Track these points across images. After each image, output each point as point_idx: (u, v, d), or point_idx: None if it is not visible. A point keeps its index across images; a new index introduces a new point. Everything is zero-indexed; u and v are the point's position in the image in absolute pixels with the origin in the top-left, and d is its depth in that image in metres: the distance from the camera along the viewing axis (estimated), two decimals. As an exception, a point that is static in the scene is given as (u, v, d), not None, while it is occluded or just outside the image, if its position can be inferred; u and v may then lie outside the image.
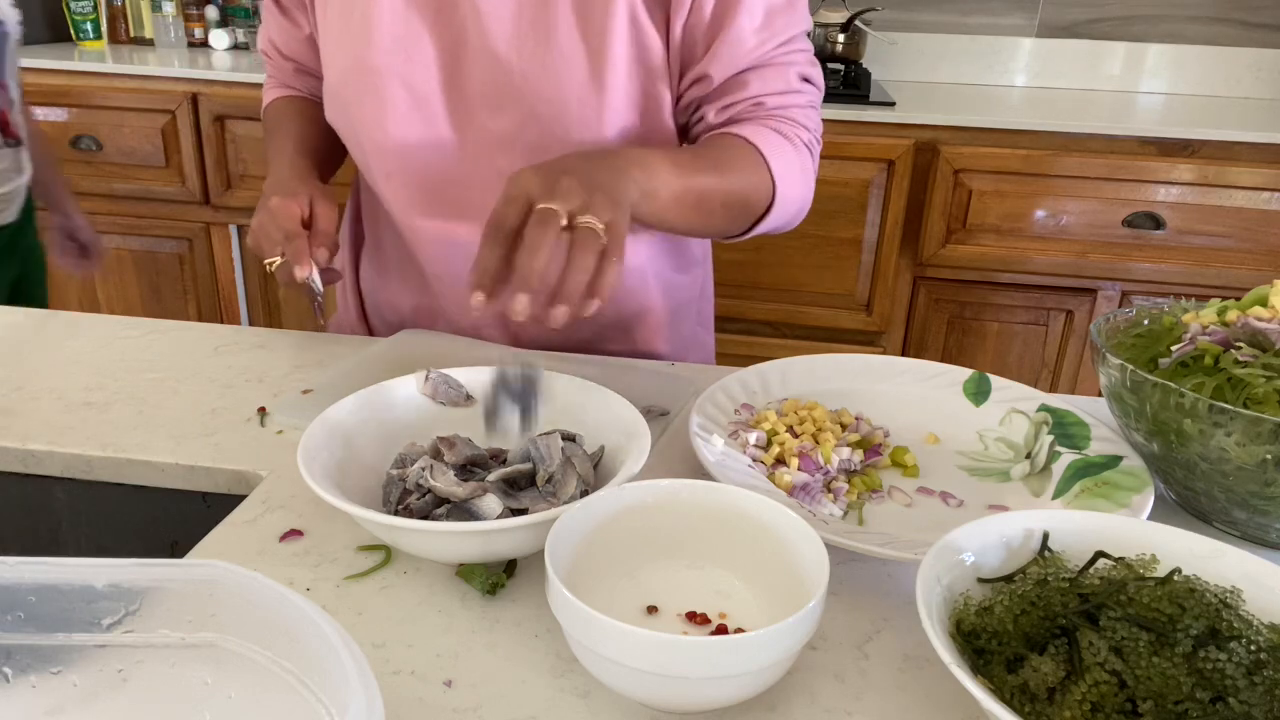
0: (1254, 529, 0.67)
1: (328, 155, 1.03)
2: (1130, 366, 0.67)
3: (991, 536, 0.55)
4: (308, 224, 0.87)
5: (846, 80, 2.25)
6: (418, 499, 0.62)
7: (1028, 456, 0.76)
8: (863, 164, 2.04)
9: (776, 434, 0.75)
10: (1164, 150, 1.98)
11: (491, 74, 0.88)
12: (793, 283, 2.18)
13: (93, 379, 0.88)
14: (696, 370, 0.95)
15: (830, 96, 2.10)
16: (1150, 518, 0.62)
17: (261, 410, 0.83)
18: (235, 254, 2.43)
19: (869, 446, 0.77)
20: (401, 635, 0.57)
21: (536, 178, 0.66)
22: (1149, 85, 2.48)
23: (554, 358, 0.94)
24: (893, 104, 2.07)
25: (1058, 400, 0.80)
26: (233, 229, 2.40)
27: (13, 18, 1.62)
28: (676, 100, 0.93)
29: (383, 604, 0.60)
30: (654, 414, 0.83)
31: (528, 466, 0.64)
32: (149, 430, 0.79)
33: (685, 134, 0.97)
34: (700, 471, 0.69)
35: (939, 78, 2.55)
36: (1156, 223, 2.01)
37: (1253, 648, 0.46)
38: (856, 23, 2.32)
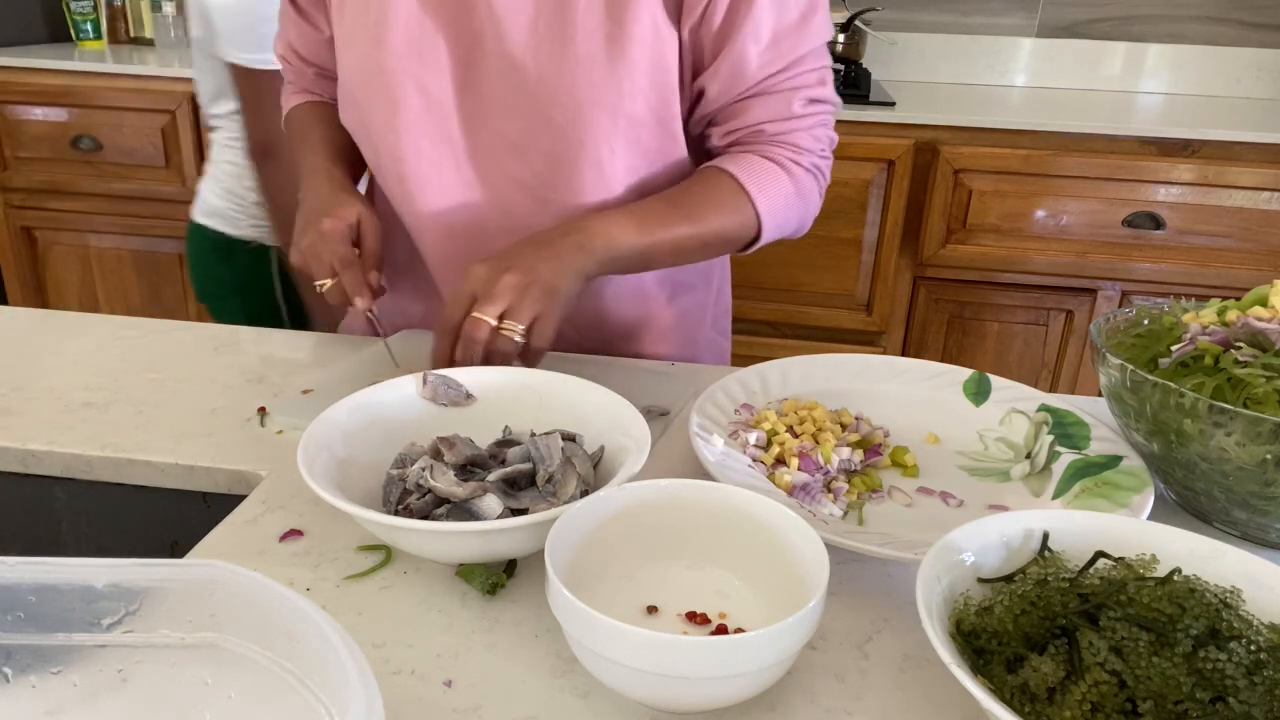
0: (1254, 529, 0.67)
1: (357, 160, 1.02)
2: (1130, 366, 0.67)
3: (991, 536, 0.55)
4: (356, 243, 0.89)
5: (846, 80, 2.25)
6: (418, 499, 0.62)
7: (1028, 456, 0.76)
8: (863, 164, 2.04)
9: (776, 434, 0.75)
10: (1164, 150, 1.98)
11: (506, 79, 0.87)
12: (793, 283, 2.18)
13: (93, 379, 0.88)
14: (696, 370, 0.95)
15: (830, 96, 2.10)
16: (1150, 518, 0.62)
17: (261, 410, 0.83)
18: (235, 254, 2.43)
19: (869, 446, 0.77)
20: (401, 635, 0.57)
21: (482, 277, 0.77)
22: (1149, 85, 2.48)
23: (555, 358, 0.94)
24: (893, 104, 2.07)
25: (1058, 400, 0.80)
26: (233, 229, 2.40)
27: None
28: (688, 111, 0.93)
29: (383, 604, 0.60)
30: (654, 414, 0.83)
31: (528, 466, 0.64)
32: (149, 430, 0.79)
33: (700, 144, 0.97)
34: (700, 471, 0.69)
35: (939, 78, 2.55)
36: (1156, 223, 2.01)
37: (1253, 648, 0.46)
38: (856, 23, 2.32)
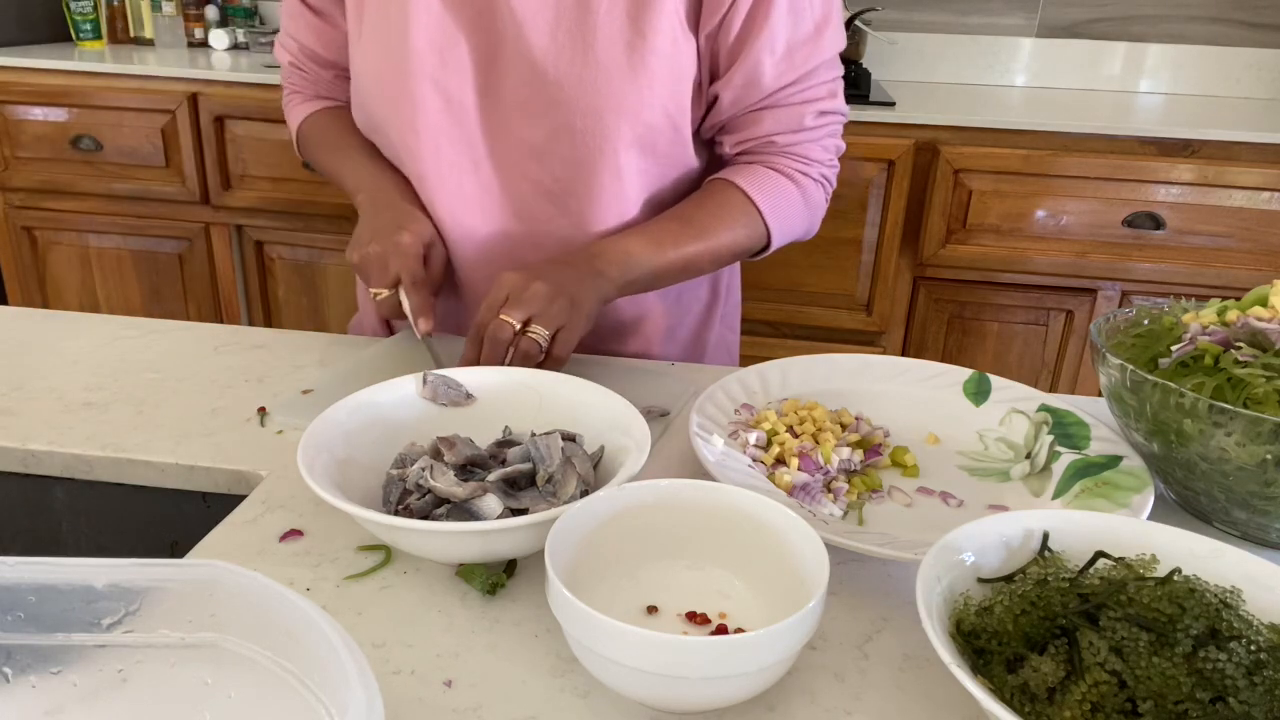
0: (1254, 529, 0.67)
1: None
2: (1130, 366, 0.67)
3: (991, 536, 0.55)
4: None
5: (847, 80, 2.24)
6: (418, 499, 0.62)
7: (1028, 456, 0.76)
8: (863, 164, 2.04)
9: (776, 434, 0.75)
10: (1164, 150, 1.98)
11: (528, 83, 0.87)
12: (793, 283, 2.18)
13: (93, 379, 0.88)
14: (696, 370, 0.95)
15: (830, 96, 2.10)
16: (1150, 518, 0.62)
17: (261, 410, 0.83)
18: (235, 254, 2.43)
19: (869, 446, 0.77)
20: (401, 635, 0.57)
21: (515, 281, 0.80)
22: (1149, 85, 2.48)
23: (554, 358, 0.94)
24: (893, 104, 2.07)
25: (1058, 400, 0.80)
26: (232, 229, 2.40)
27: None
28: (701, 116, 0.94)
29: (383, 604, 0.60)
30: (654, 414, 0.83)
31: (528, 466, 0.64)
32: (149, 430, 0.79)
33: (709, 147, 0.98)
34: (700, 471, 0.69)
35: (939, 78, 2.55)
36: (1156, 223, 2.01)
37: (1253, 648, 0.46)
38: (856, 23, 2.32)
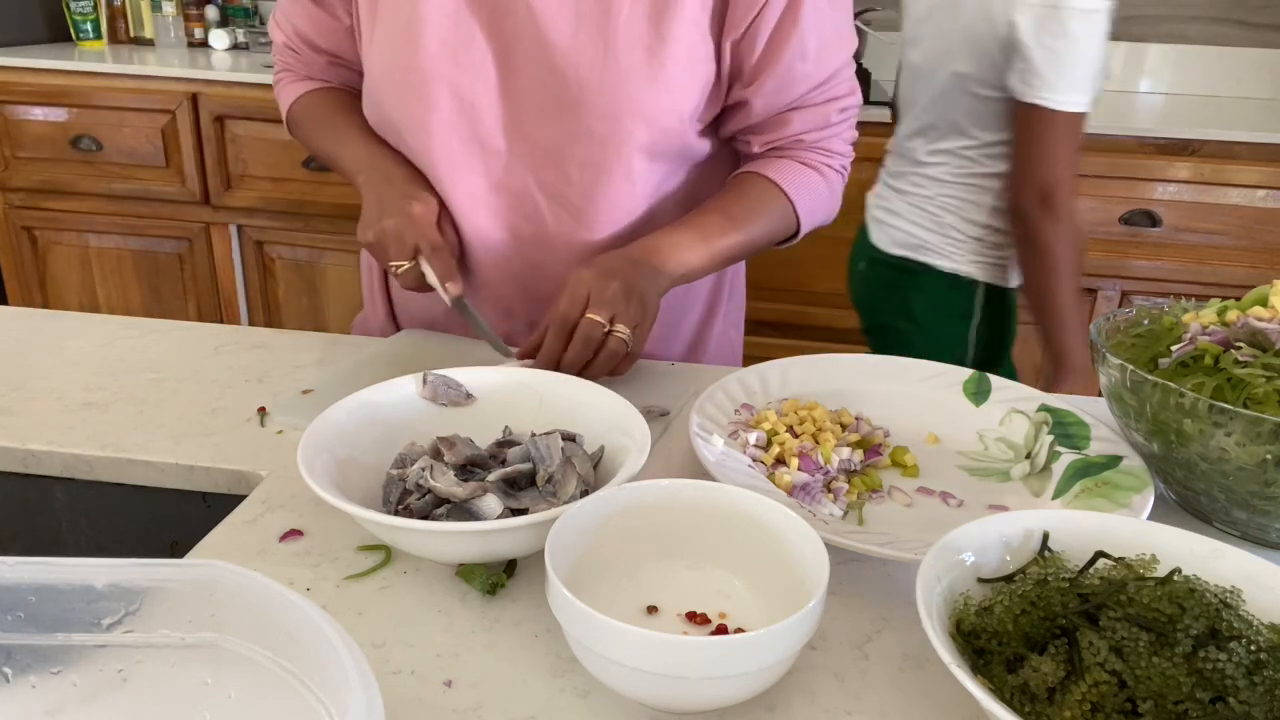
0: (1254, 529, 0.67)
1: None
2: (1130, 366, 0.67)
3: (991, 536, 0.55)
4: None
5: (846, 80, 2.25)
6: (418, 499, 0.62)
7: (1028, 456, 0.76)
8: (862, 164, 2.03)
9: (776, 434, 0.75)
10: (1163, 149, 1.98)
11: (546, 85, 0.87)
12: (794, 282, 2.18)
13: (93, 379, 0.88)
14: (696, 370, 0.95)
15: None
16: (1150, 518, 0.62)
17: (261, 410, 0.83)
18: (235, 254, 2.43)
19: (869, 446, 0.77)
20: (401, 635, 0.57)
21: (594, 281, 0.81)
22: (1149, 85, 2.48)
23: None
24: (893, 104, 2.07)
25: (1058, 400, 0.80)
26: (233, 229, 2.40)
27: None
28: (715, 121, 0.94)
29: (383, 604, 0.60)
30: (654, 414, 0.83)
31: (528, 466, 0.64)
32: (149, 430, 0.79)
33: (726, 146, 0.99)
34: (700, 471, 0.69)
35: (939, 78, 2.55)
36: (1154, 221, 2.01)
37: (1253, 648, 0.46)
38: (856, 23, 2.31)
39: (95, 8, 2.59)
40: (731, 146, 1.00)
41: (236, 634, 0.41)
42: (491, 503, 0.60)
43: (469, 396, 0.74)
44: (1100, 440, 0.74)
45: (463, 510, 0.61)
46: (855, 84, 0.98)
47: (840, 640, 0.58)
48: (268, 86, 2.25)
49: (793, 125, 0.95)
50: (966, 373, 0.84)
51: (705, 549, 0.60)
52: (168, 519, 0.77)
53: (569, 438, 0.67)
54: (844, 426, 0.78)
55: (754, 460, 0.73)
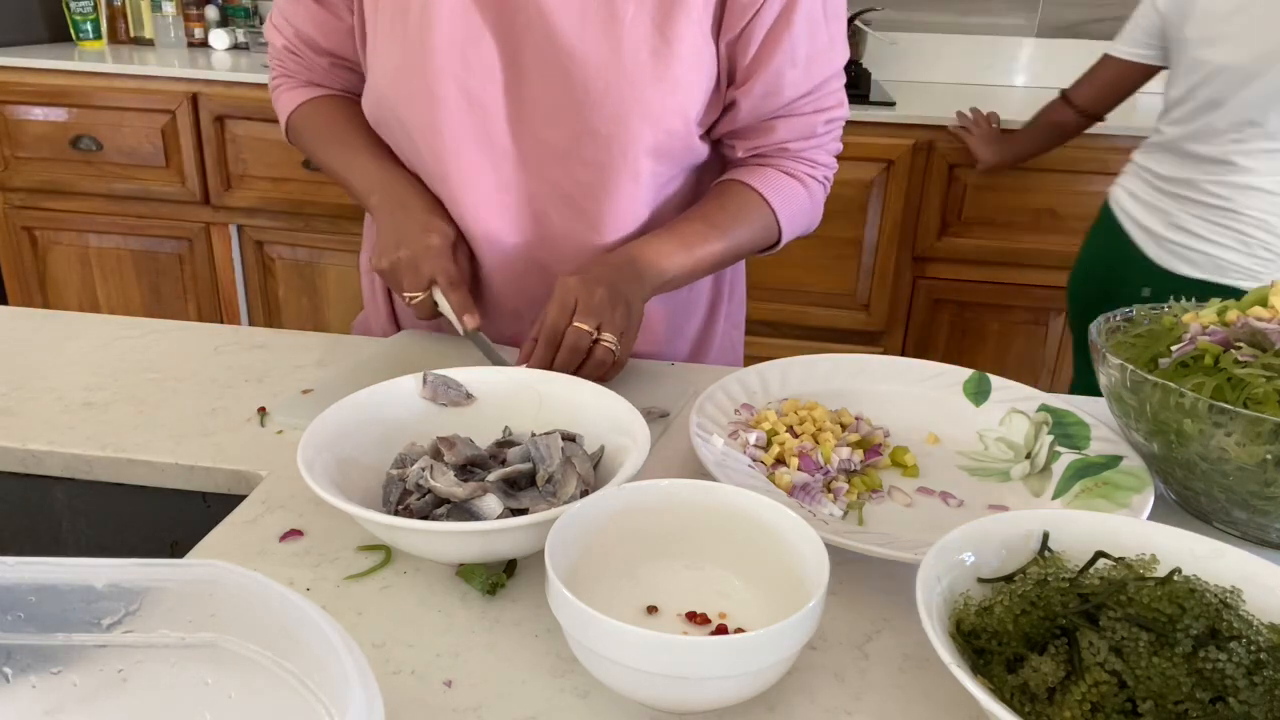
0: (1254, 529, 0.67)
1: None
2: (1130, 366, 0.67)
3: (991, 536, 0.55)
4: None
5: (846, 80, 2.25)
6: (418, 499, 0.62)
7: (1028, 456, 0.76)
8: (863, 164, 2.04)
9: (776, 434, 0.75)
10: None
11: (554, 85, 0.87)
12: (793, 283, 2.18)
13: (93, 379, 0.88)
14: (696, 370, 0.95)
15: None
16: (1150, 518, 0.62)
17: (261, 410, 0.83)
18: (235, 254, 2.43)
19: (869, 446, 0.77)
20: (401, 635, 0.57)
21: (580, 289, 0.82)
22: (1148, 85, 2.48)
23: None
24: (892, 104, 2.07)
25: (1058, 400, 0.80)
26: (233, 229, 2.40)
27: None
28: (713, 121, 0.95)
29: (383, 604, 0.60)
30: (654, 414, 0.83)
31: (528, 466, 0.64)
32: (149, 430, 0.79)
33: (712, 148, 0.98)
34: (700, 471, 0.69)
35: (939, 78, 2.55)
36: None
37: (1253, 648, 0.46)
38: (856, 23, 2.32)
39: (95, 8, 2.59)
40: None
41: (236, 634, 0.41)
42: (491, 503, 0.60)
43: (469, 396, 0.74)
44: (1100, 440, 0.74)
45: (463, 510, 0.61)
46: (844, 97, 0.98)
47: (840, 640, 0.58)
48: (267, 86, 2.26)
49: (778, 133, 0.95)
50: (966, 373, 0.84)
51: (705, 549, 0.60)
52: (168, 519, 0.77)
53: (569, 438, 0.67)
54: (844, 426, 0.78)
55: (754, 460, 0.73)
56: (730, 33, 0.87)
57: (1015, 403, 0.81)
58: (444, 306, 0.89)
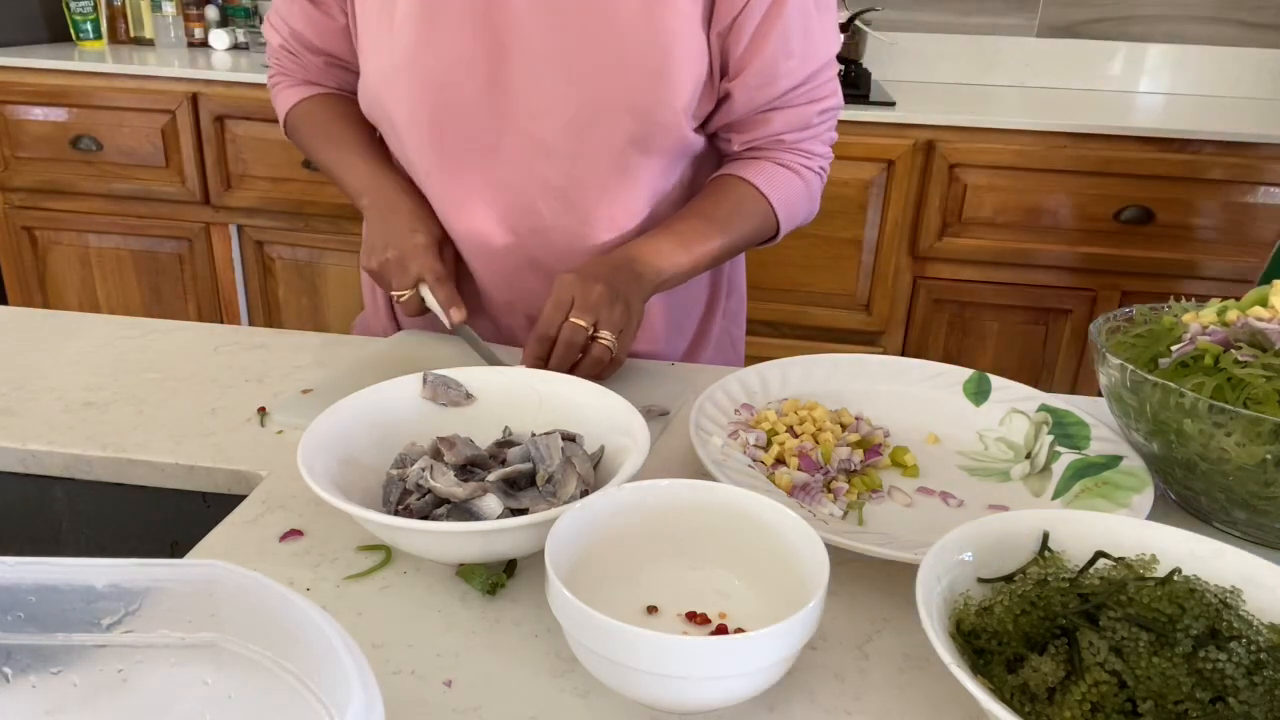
0: (1254, 529, 0.67)
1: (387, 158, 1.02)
2: (1130, 366, 0.67)
3: (991, 536, 0.55)
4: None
5: (846, 80, 2.25)
6: (418, 499, 0.62)
7: (1028, 456, 0.76)
8: (863, 164, 2.04)
9: (776, 434, 0.75)
10: (1163, 149, 1.98)
11: (539, 79, 0.88)
12: (793, 283, 2.18)
13: (93, 379, 0.88)
14: (696, 370, 0.95)
15: (830, 96, 2.10)
16: (1150, 518, 0.62)
17: (261, 410, 0.83)
18: (235, 254, 2.43)
19: (869, 446, 0.77)
20: (401, 635, 0.57)
21: (577, 286, 0.82)
22: (1149, 85, 2.48)
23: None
24: (893, 104, 2.07)
25: (1058, 400, 0.80)
26: (233, 229, 2.40)
27: None
28: (708, 113, 0.94)
29: (383, 604, 0.60)
30: (654, 414, 0.83)
31: (528, 466, 0.64)
32: (149, 430, 0.79)
33: (707, 141, 0.98)
34: (700, 471, 0.69)
35: (939, 77, 2.55)
36: (1153, 219, 2.02)
37: (1253, 648, 0.46)
38: (856, 23, 2.32)
39: (95, 8, 2.59)
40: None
41: (236, 634, 0.41)
42: (491, 503, 0.60)
43: (469, 396, 0.74)
44: (1100, 440, 0.74)
45: (463, 510, 0.61)
46: (837, 86, 0.98)
47: (840, 640, 0.58)
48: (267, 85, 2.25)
49: (773, 125, 0.95)
50: (966, 373, 0.84)
51: (705, 549, 0.60)
52: (168, 519, 0.77)
53: (569, 438, 0.67)
54: (844, 426, 0.78)
55: (754, 460, 0.73)
56: (721, 24, 0.87)
57: (1015, 403, 0.81)
58: (431, 302, 0.91)
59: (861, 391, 0.84)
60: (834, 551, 0.55)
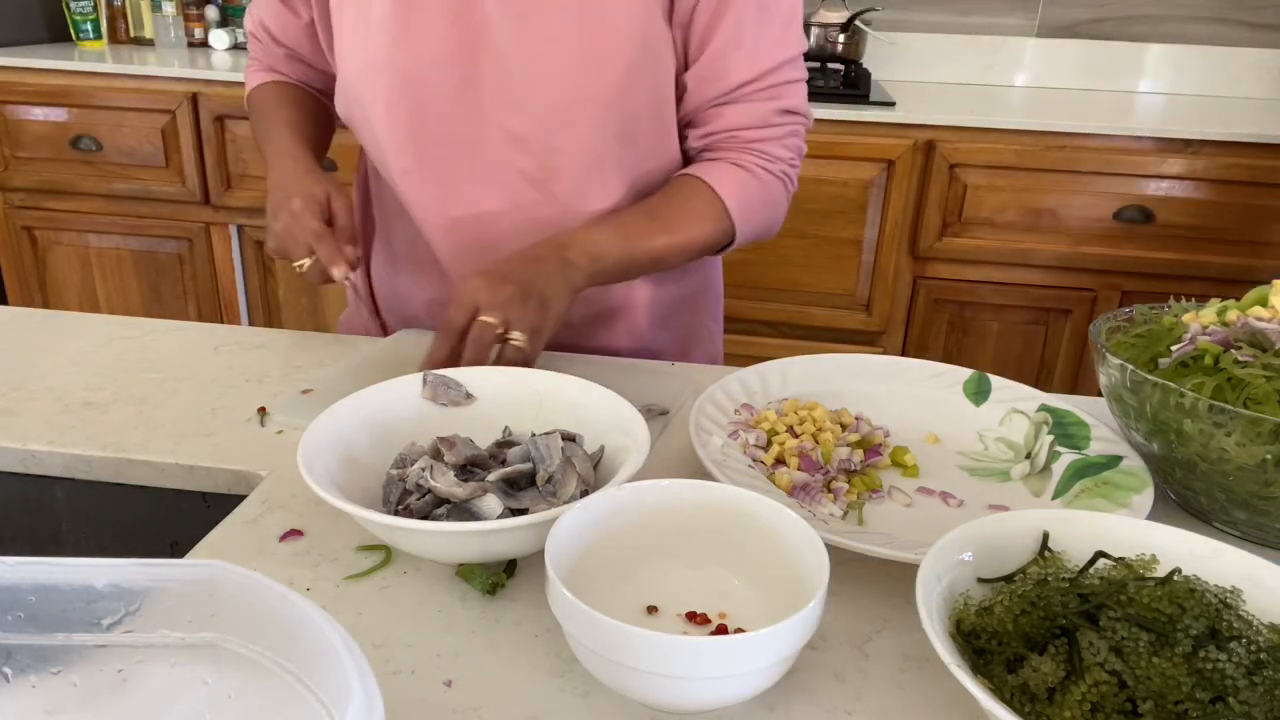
0: (1254, 529, 0.67)
1: (319, 143, 1.03)
2: (1130, 366, 0.67)
3: (991, 536, 0.55)
4: (329, 221, 0.89)
5: (846, 80, 2.25)
6: (418, 499, 0.62)
7: (1028, 456, 0.76)
8: (863, 164, 2.04)
9: (776, 434, 0.75)
10: (1163, 149, 1.98)
11: (507, 73, 0.88)
12: (793, 283, 2.18)
13: (93, 379, 0.88)
14: (696, 370, 0.95)
15: (830, 96, 2.10)
16: (1150, 518, 0.62)
17: (261, 410, 0.83)
18: (235, 254, 2.43)
19: (869, 446, 0.77)
20: (401, 635, 0.57)
21: (484, 288, 0.79)
22: (1149, 85, 2.48)
23: (553, 357, 0.94)
24: (893, 104, 2.07)
25: (1058, 400, 0.80)
26: (233, 229, 2.40)
27: None
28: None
29: (383, 604, 0.60)
30: (654, 414, 0.83)
31: (528, 466, 0.64)
32: (149, 430, 0.79)
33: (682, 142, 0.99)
34: (700, 471, 0.69)
35: (939, 78, 2.55)
36: (1153, 219, 2.02)
37: (1253, 648, 0.46)
38: (856, 23, 2.32)
39: (95, 8, 2.59)
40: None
41: (236, 634, 0.41)
42: (491, 503, 0.60)
43: (469, 396, 0.74)
44: (1100, 440, 0.74)
45: (463, 510, 0.61)
46: (802, 96, 0.96)
47: (840, 640, 0.58)
48: (268, 86, 2.26)
49: (726, 118, 0.93)
50: (966, 373, 0.84)
51: (705, 549, 0.60)
52: (168, 519, 0.77)
53: (569, 438, 0.67)
54: (844, 426, 0.78)
55: (754, 460, 0.73)
56: (680, 15, 0.88)
57: (1015, 403, 0.81)
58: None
59: (861, 391, 0.84)
60: (834, 551, 0.55)
